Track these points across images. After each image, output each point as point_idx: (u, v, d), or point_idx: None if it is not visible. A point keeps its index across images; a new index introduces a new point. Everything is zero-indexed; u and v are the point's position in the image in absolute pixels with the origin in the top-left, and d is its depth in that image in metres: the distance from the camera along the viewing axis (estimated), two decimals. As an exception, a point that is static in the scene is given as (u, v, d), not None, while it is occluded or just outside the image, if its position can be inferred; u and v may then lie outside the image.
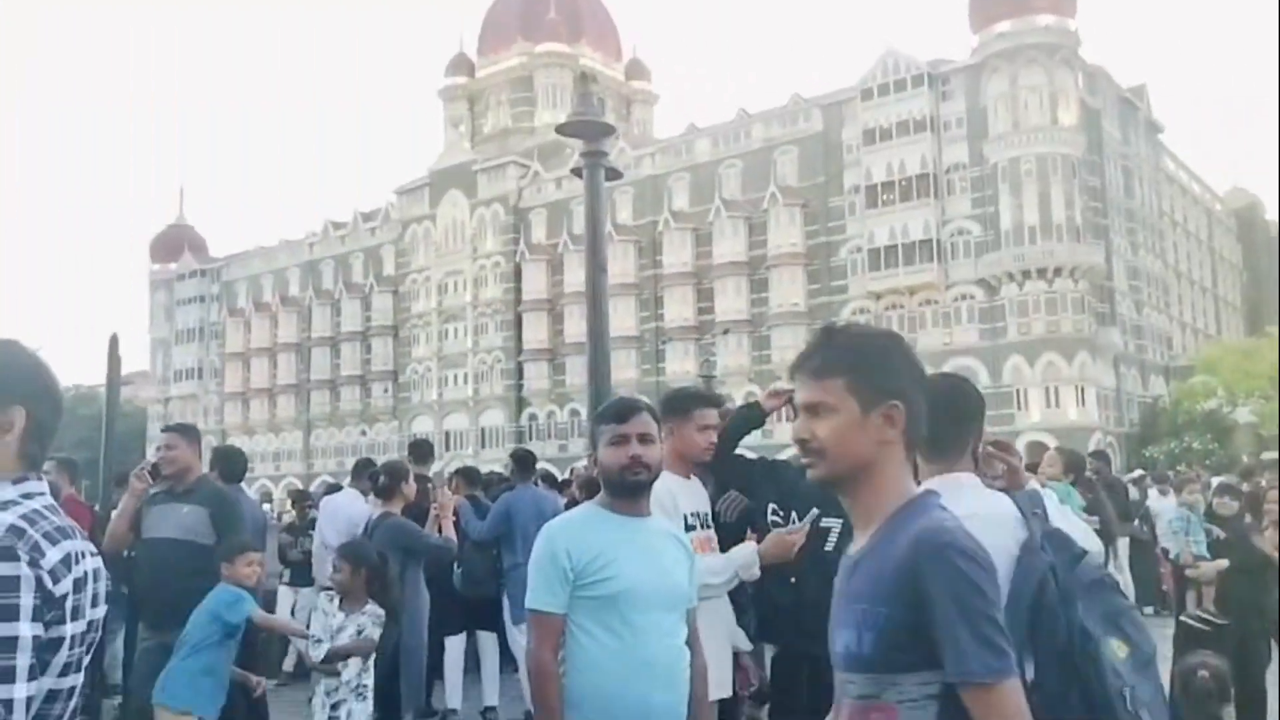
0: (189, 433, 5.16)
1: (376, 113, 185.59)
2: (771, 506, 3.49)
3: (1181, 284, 59.55)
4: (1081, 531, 2.13)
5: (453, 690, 7.27)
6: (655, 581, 2.46)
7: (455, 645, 7.35)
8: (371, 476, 6.41)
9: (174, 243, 76.36)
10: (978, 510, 2.01)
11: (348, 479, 8.34)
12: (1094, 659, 1.91)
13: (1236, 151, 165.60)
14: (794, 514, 3.44)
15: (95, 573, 1.69)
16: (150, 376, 78.73)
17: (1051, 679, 1.93)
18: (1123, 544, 10.82)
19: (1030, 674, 1.89)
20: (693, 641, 2.58)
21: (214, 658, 4.14)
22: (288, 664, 9.21)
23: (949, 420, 2.20)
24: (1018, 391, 45.19)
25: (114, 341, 5.89)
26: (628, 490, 2.53)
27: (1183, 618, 6.00)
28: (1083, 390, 44.51)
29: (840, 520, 3.29)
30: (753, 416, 3.80)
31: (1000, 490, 2.30)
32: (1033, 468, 8.28)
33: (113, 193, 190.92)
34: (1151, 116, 56.85)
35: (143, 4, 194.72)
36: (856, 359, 1.68)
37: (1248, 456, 38.15)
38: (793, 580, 3.35)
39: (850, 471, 1.63)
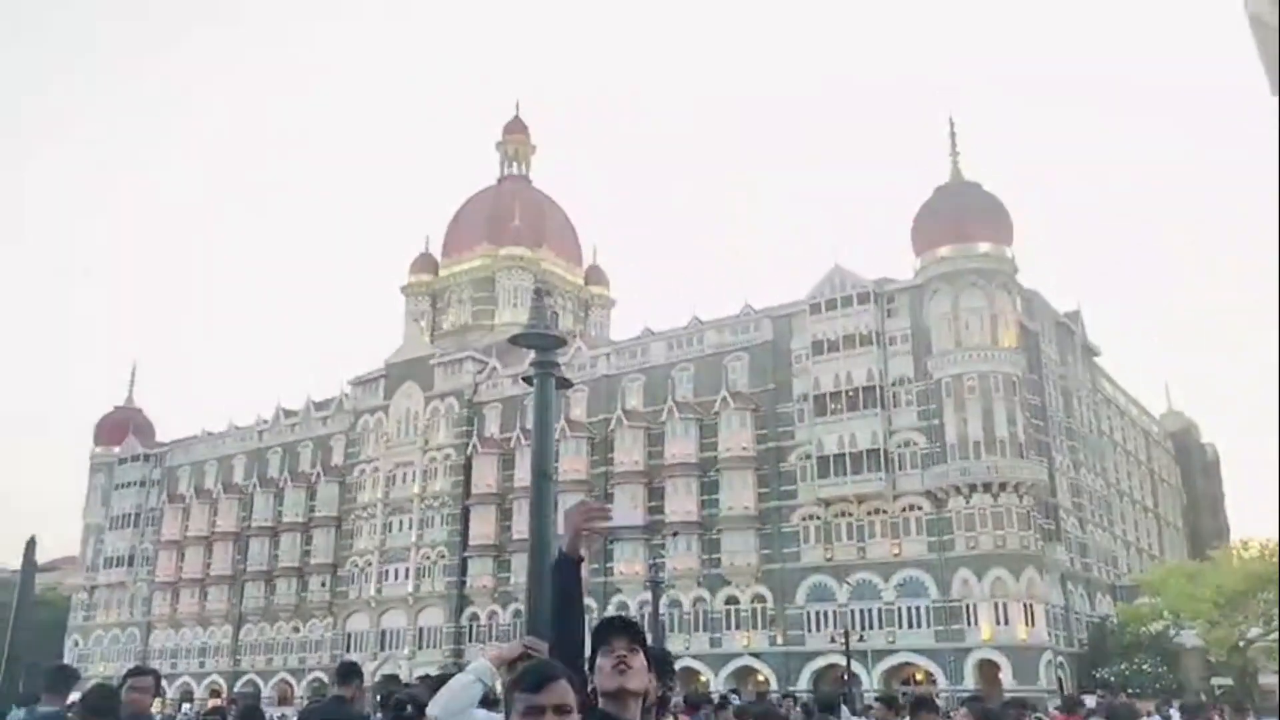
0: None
1: (337, 304, 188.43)
2: None
3: (1124, 503, 60.52)
4: None
5: None
6: None
7: None
8: (397, 705, 6.07)
9: (119, 425, 75.24)
10: None
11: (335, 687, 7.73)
12: None
13: (1170, 375, 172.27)
14: None
15: None
16: (79, 563, 75.67)
17: None
18: None
19: None
20: None
21: None
22: None
23: None
24: (967, 606, 44.76)
25: (30, 544, 5.71)
26: None
27: None
28: (1031, 608, 44.20)
29: None
30: (562, 567, 3.19)
31: None
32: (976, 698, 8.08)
33: (61, 371, 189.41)
34: (1087, 340, 59.31)
35: (105, 179, 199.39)
36: None
37: (1198, 679, 37.90)
38: None
39: None
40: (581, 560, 3.03)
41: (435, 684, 7.37)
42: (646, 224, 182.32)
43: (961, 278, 47.92)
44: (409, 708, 5.64)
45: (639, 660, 3.05)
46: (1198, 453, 75.82)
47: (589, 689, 2.90)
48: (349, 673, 7.72)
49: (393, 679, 8.20)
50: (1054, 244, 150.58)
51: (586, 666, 3.07)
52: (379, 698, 7.24)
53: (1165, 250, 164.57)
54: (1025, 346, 49.05)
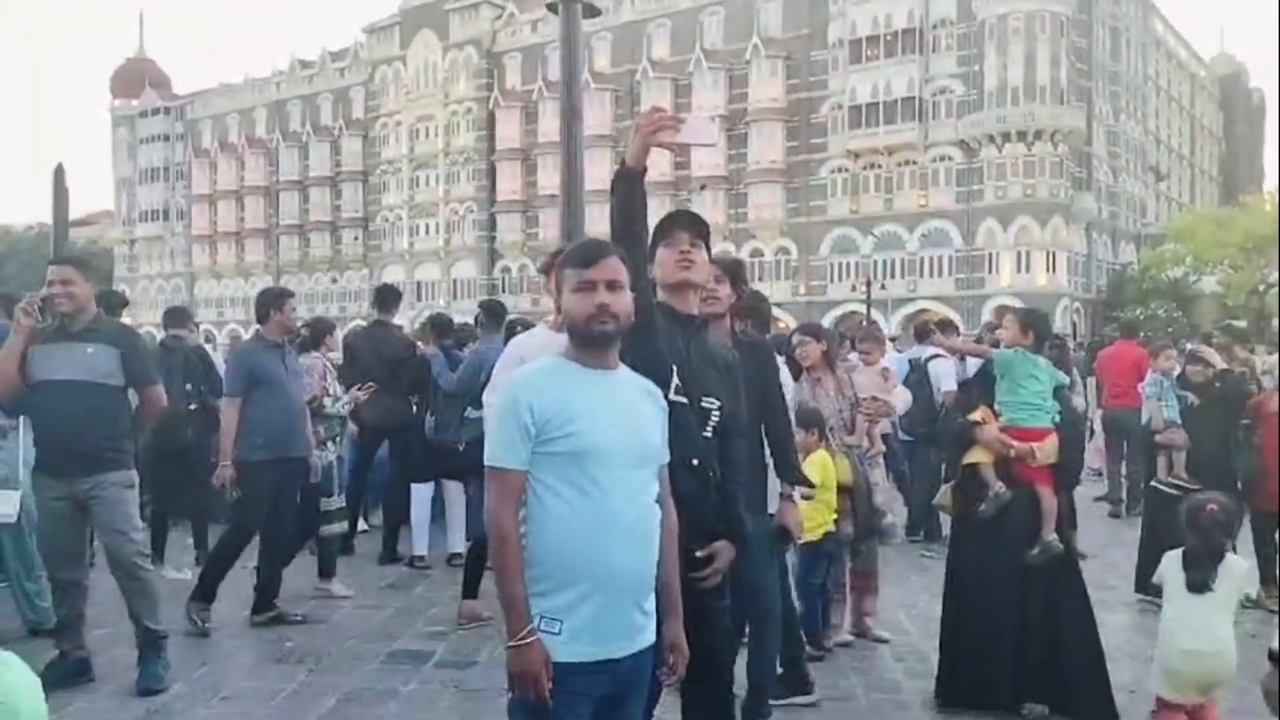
0: (86, 266, 4.64)
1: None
2: (674, 368, 2.80)
3: (1160, 151, 59.14)
4: None
5: (419, 537, 7.36)
6: (624, 437, 2.30)
7: (423, 493, 7.40)
8: (510, 326, 6.49)
9: (135, 77, 73.44)
10: None
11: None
12: None
13: (1226, 15, 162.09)
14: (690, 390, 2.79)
15: None
16: (115, 216, 77.12)
17: None
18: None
19: None
20: (664, 500, 2.43)
21: None
22: None
23: None
24: (989, 255, 45.26)
25: (59, 172, 5.65)
26: (594, 341, 2.34)
27: (1154, 483, 6.12)
28: (1054, 256, 44.64)
29: (719, 403, 2.88)
30: (623, 180, 2.81)
31: None
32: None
33: (74, 18, 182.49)
34: (1145, -26, 55.26)
35: None
36: None
37: (1210, 324, 38.84)
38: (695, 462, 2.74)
39: None
40: (644, 173, 2.80)
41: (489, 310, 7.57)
42: None
43: (1017, -96, 43.87)
44: (519, 327, 6.03)
45: (701, 255, 3.00)
46: (1243, 98, 72.96)
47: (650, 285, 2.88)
48: (390, 296, 7.84)
49: (442, 317, 8.30)
50: None
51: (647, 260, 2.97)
52: (430, 325, 7.59)
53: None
54: (1078, -18, 45.82)
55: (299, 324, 6.46)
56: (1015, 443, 4.40)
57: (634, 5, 55.18)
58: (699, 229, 3.04)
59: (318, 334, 6.87)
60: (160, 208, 73.38)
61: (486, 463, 2.30)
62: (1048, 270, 44.42)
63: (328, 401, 6.59)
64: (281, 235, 67.84)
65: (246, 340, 5.93)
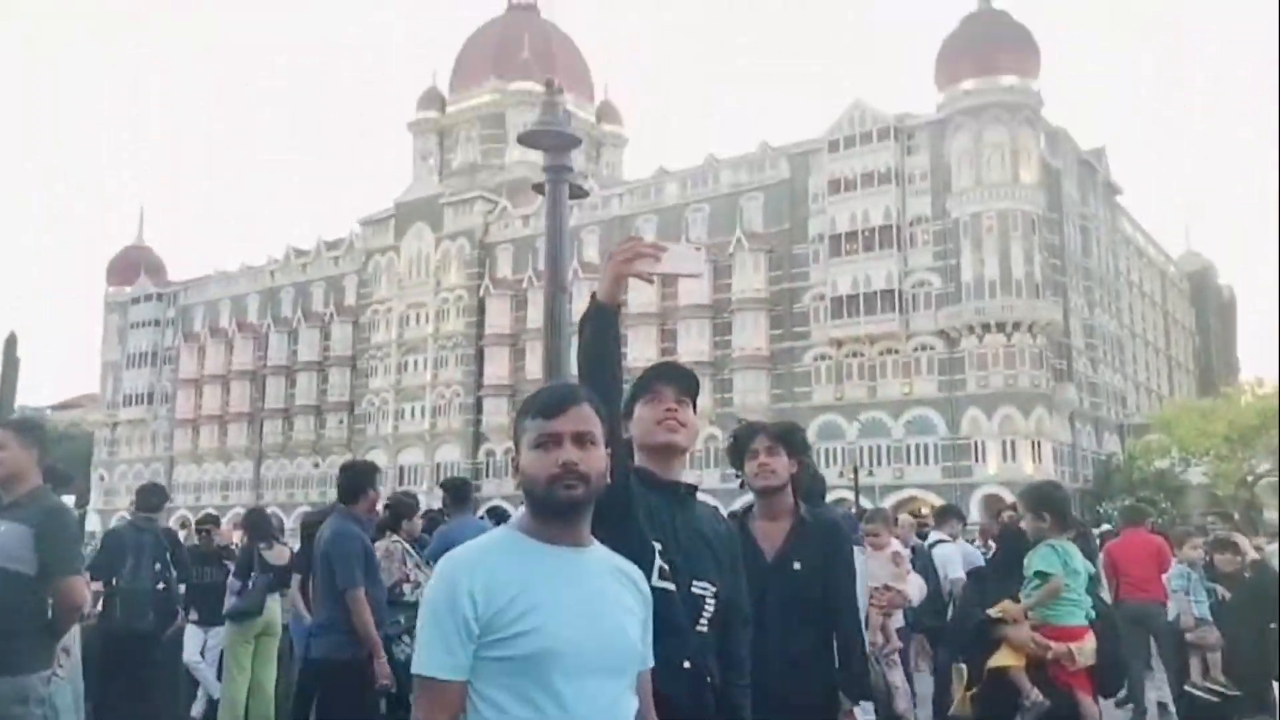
0: (26, 432, 4.01)
1: (344, 143, 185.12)
2: (658, 547, 2.39)
3: (1136, 344, 60.28)
4: None
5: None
6: (594, 636, 1.82)
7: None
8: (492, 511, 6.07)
9: (131, 264, 74.96)
10: None
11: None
12: None
13: (1191, 215, 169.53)
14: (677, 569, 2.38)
15: None
16: (99, 400, 76.86)
17: None
18: None
19: None
20: (645, 714, 1.94)
21: None
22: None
23: None
24: (975, 444, 45.19)
25: (11, 341, 5.38)
26: (557, 510, 1.87)
27: (1188, 688, 5.49)
28: (1039, 445, 44.59)
29: (714, 588, 2.43)
30: (595, 316, 2.44)
31: None
32: (1019, 526, 7.85)
33: (73, 212, 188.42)
34: (1110, 178, 57.80)
35: (106, 23, 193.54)
36: None
37: (1199, 515, 38.37)
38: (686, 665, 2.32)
39: None
40: (619, 308, 2.46)
41: (453, 489, 7.12)
42: (660, 58, 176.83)
43: (985, 112, 46.32)
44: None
45: (689, 414, 2.60)
46: (1213, 294, 75.13)
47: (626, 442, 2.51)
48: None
49: (403, 500, 7.83)
50: (1081, 79, 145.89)
51: (624, 416, 2.59)
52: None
53: (1192, 88, 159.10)
54: (1046, 184, 47.85)
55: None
56: (1053, 643, 3.91)
57: (623, 201, 57.15)
58: (687, 385, 2.65)
59: (398, 515, 6.39)
60: (145, 391, 73.26)
61: (414, 670, 1.82)
62: (1033, 460, 44.25)
63: (407, 589, 6.04)
64: (266, 419, 67.49)
65: (341, 520, 5.33)
